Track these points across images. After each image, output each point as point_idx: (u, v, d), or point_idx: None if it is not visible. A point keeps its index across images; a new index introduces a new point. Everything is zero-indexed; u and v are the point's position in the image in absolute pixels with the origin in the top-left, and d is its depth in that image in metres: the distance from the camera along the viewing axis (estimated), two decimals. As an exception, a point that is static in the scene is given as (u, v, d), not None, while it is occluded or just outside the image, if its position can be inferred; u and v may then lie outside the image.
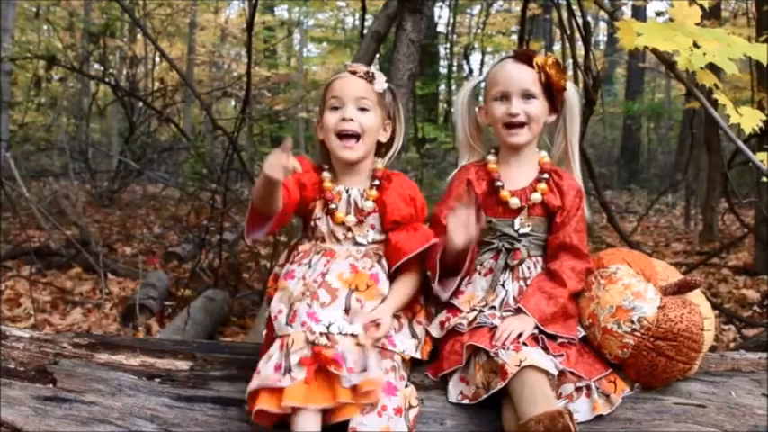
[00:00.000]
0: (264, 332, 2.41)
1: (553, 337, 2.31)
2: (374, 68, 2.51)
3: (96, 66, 12.37)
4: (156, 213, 10.83)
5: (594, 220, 9.82)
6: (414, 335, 2.35)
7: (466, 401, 2.24)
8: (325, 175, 2.46)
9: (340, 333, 2.17)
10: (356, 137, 2.40)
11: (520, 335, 2.22)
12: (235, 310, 5.75)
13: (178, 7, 12.77)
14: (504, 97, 2.43)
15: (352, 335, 2.18)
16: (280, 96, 16.68)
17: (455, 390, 2.27)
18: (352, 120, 2.39)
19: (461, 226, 2.26)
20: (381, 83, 2.45)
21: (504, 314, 2.33)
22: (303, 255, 2.40)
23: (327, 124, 2.42)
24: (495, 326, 2.28)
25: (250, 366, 2.34)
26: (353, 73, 2.44)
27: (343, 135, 2.40)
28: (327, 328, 2.18)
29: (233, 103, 15.86)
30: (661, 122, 17.17)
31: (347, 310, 2.24)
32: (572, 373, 2.24)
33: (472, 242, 2.29)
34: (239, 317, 5.67)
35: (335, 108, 2.42)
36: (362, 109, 2.41)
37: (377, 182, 2.44)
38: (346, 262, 2.35)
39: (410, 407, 2.19)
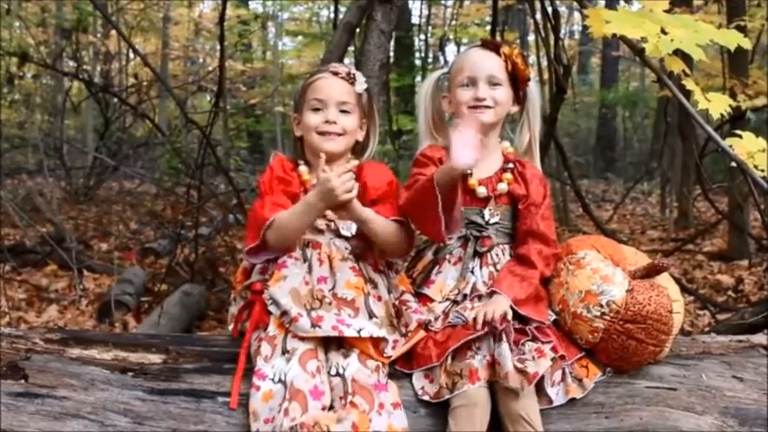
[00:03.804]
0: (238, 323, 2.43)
1: (525, 320, 2.33)
2: (353, 69, 2.54)
3: (70, 62, 12.25)
4: (132, 209, 10.77)
5: (571, 209, 9.87)
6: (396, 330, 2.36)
7: (426, 398, 2.25)
8: (302, 168, 2.49)
9: (371, 337, 2.23)
10: (338, 136, 2.44)
11: (503, 315, 2.25)
12: (212, 304, 5.73)
13: (151, 2, 12.68)
14: (471, 83, 2.47)
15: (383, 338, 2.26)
16: (255, 90, 16.61)
17: (417, 384, 2.28)
18: (335, 122, 2.43)
19: (466, 146, 2.18)
20: (361, 84, 2.49)
21: (475, 305, 2.35)
22: None
23: (309, 124, 2.45)
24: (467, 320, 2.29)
25: (223, 359, 2.35)
26: (335, 74, 2.47)
27: (325, 134, 2.43)
28: (359, 332, 2.21)
29: (208, 97, 15.77)
30: (636, 111, 17.21)
31: (371, 316, 2.28)
32: (561, 357, 2.28)
33: (473, 165, 2.22)
34: (216, 311, 5.65)
35: (317, 109, 2.45)
36: (344, 111, 2.45)
37: (352, 174, 2.45)
38: (345, 265, 2.37)
39: (401, 402, 2.21)
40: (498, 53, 2.48)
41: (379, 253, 2.43)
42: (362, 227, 2.37)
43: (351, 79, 2.48)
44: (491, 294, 2.35)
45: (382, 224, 2.36)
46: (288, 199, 2.41)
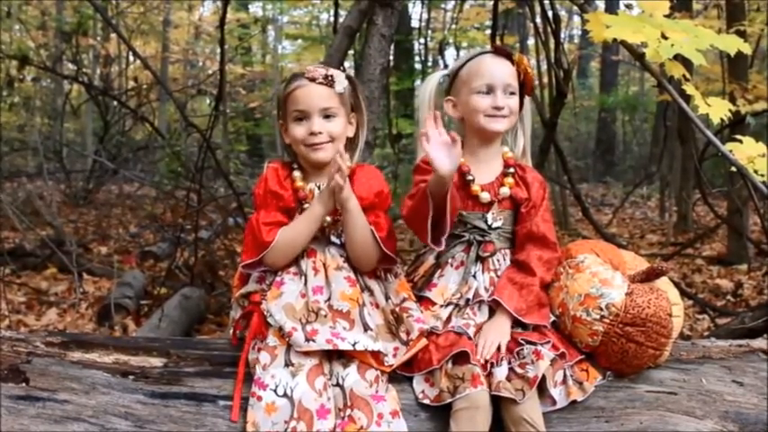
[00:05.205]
0: (237, 331, 2.42)
1: (526, 327, 2.35)
2: (330, 69, 2.45)
3: (70, 65, 12.25)
4: (131, 212, 10.77)
5: (570, 213, 9.87)
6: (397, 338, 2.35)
7: (426, 401, 2.26)
8: (296, 174, 2.45)
9: (366, 350, 2.22)
10: (327, 143, 2.39)
11: (499, 347, 2.28)
12: (212, 307, 5.73)
13: (151, 5, 12.70)
14: (490, 90, 2.46)
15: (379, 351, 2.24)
16: (255, 93, 16.63)
17: (417, 387, 2.29)
18: (320, 132, 2.37)
19: (442, 148, 2.19)
20: (341, 83, 2.40)
21: (477, 318, 2.37)
22: None
23: (295, 137, 2.39)
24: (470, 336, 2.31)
25: (223, 362, 2.36)
26: (312, 80, 2.38)
27: (313, 145, 2.39)
28: (353, 345, 2.21)
29: (208, 100, 15.78)
30: (636, 115, 17.22)
31: (366, 328, 2.26)
32: (561, 356, 2.30)
33: (456, 166, 2.21)
34: (216, 314, 5.64)
35: (300, 119, 2.39)
36: (328, 116, 2.39)
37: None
38: (340, 275, 2.35)
39: (401, 409, 2.21)
40: (511, 61, 2.49)
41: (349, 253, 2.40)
42: (343, 214, 2.35)
43: (329, 82, 2.39)
44: (493, 303, 2.38)
45: (361, 221, 2.34)
46: (282, 215, 2.39)
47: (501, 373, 2.21)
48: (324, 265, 2.37)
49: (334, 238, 2.42)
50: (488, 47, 2.58)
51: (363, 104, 2.53)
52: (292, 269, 2.38)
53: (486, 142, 2.51)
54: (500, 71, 2.47)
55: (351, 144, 2.51)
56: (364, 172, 2.47)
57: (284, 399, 2.13)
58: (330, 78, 2.39)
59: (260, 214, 2.40)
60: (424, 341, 2.31)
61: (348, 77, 2.46)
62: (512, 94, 2.47)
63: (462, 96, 2.50)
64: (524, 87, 2.51)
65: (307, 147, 2.39)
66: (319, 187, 2.42)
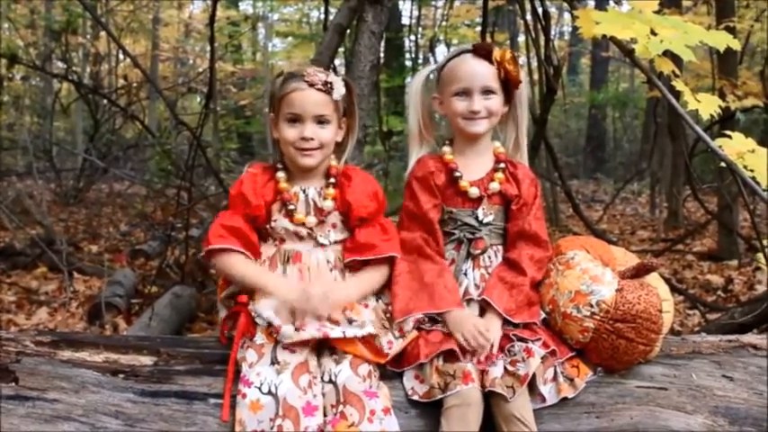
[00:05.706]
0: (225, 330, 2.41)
1: (517, 325, 2.35)
2: (330, 75, 2.41)
3: (59, 63, 12.22)
4: (122, 211, 10.75)
5: (561, 210, 9.89)
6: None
7: (416, 398, 2.26)
8: (280, 175, 2.43)
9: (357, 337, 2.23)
10: (316, 150, 2.38)
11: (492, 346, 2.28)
12: (202, 306, 5.72)
13: (141, 3, 12.66)
14: (465, 93, 2.44)
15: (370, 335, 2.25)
16: (246, 91, 16.61)
17: (407, 384, 2.29)
18: (312, 138, 2.35)
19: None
20: (340, 90, 2.38)
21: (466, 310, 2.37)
22: (270, 262, 2.39)
23: (286, 138, 2.37)
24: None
25: (214, 360, 2.35)
26: (311, 85, 2.36)
27: (302, 150, 2.37)
28: (344, 333, 2.22)
29: (198, 99, 15.75)
30: (626, 111, 17.28)
31: (350, 322, 2.26)
32: (552, 353, 2.29)
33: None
34: (207, 313, 5.63)
35: (293, 121, 2.37)
36: (321, 122, 2.37)
37: (333, 180, 2.43)
38: (327, 277, 2.36)
39: (393, 406, 2.21)
40: (490, 60, 2.43)
41: None
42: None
43: (328, 89, 2.37)
44: (483, 303, 2.37)
45: (371, 287, 2.37)
46: (245, 221, 2.37)
47: (497, 370, 2.21)
48: (309, 268, 2.37)
49: (321, 239, 2.40)
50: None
51: (356, 109, 2.52)
52: (276, 270, 2.38)
53: (471, 141, 2.50)
54: (478, 73, 2.43)
55: (338, 147, 2.49)
56: (357, 179, 2.45)
57: (269, 396, 2.13)
58: (329, 86, 2.37)
59: (226, 214, 2.41)
60: (415, 332, 2.32)
61: (346, 83, 2.43)
62: (490, 93, 2.44)
63: (445, 96, 2.49)
64: (509, 83, 2.48)
65: (296, 150, 2.37)
66: (304, 191, 2.41)
